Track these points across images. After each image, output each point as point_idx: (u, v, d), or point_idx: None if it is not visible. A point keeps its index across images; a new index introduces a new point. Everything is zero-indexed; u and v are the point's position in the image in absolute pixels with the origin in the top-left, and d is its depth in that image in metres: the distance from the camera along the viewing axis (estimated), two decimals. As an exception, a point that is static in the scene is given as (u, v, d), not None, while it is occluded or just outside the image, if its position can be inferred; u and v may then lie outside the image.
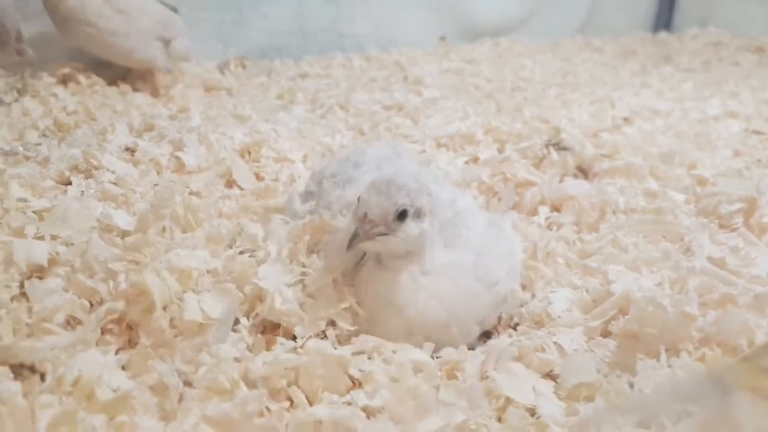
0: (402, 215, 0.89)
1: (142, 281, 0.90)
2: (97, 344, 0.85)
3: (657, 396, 0.74)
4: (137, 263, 0.95)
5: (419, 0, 3.28)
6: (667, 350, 0.83)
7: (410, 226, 0.90)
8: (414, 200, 0.90)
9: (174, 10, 2.30)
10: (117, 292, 0.91)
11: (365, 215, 0.88)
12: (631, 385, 0.77)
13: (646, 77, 2.87)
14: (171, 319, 0.89)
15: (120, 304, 0.90)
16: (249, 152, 1.45)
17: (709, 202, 1.28)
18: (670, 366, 0.79)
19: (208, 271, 0.97)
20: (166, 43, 2.22)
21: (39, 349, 0.76)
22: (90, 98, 2.00)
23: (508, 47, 3.37)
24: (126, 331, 0.91)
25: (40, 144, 1.49)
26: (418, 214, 0.91)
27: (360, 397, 0.81)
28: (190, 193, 1.25)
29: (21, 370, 0.74)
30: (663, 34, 4.03)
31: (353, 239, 0.88)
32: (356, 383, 0.84)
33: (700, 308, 0.86)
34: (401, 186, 0.90)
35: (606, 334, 0.90)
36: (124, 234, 1.05)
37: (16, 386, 0.70)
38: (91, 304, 0.92)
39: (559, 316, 0.96)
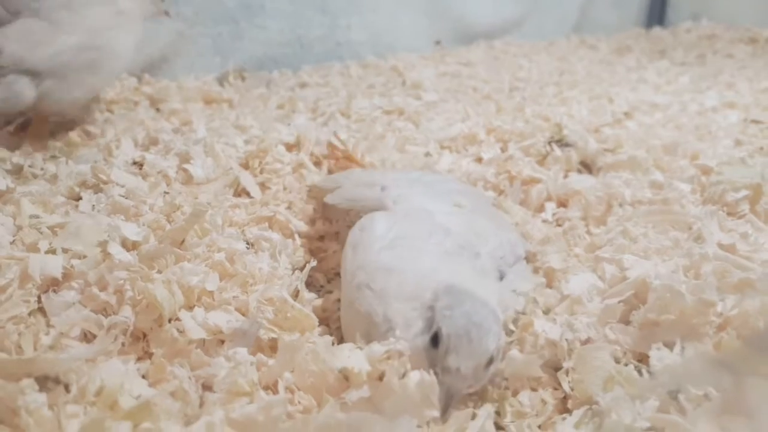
0: (489, 363, 0.79)
1: (151, 294, 0.91)
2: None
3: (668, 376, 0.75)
4: (149, 276, 0.96)
5: (413, 6, 3.30)
6: (685, 337, 0.84)
7: (490, 371, 0.80)
8: (499, 343, 0.80)
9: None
10: (127, 304, 0.92)
11: (458, 369, 0.76)
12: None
13: (642, 72, 2.88)
14: (181, 332, 0.90)
15: (131, 316, 0.91)
16: (255, 160, 1.45)
17: (714, 190, 1.29)
18: (683, 349, 0.80)
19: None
20: None
21: (63, 360, 0.76)
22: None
23: (503, 49, 3.39)
24: (137, 341, 0.92)
25: (46, 160, 1.50)
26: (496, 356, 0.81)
27: None
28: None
29: (45, 381, 0.75)
30: (657, 30, 4.05)
31: (449, 401, 0.76)
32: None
33: (716, 293, 0.87)
34: (488, 329, 0.78)
35: (626, 323, 0.90)
36: (134, 245, 1.06)
37: (42, 397, 0.71)
38: (105, 316, 0.93)
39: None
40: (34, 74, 1.58)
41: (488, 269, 0.97)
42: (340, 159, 1.52)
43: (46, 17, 1.61)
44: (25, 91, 1.58)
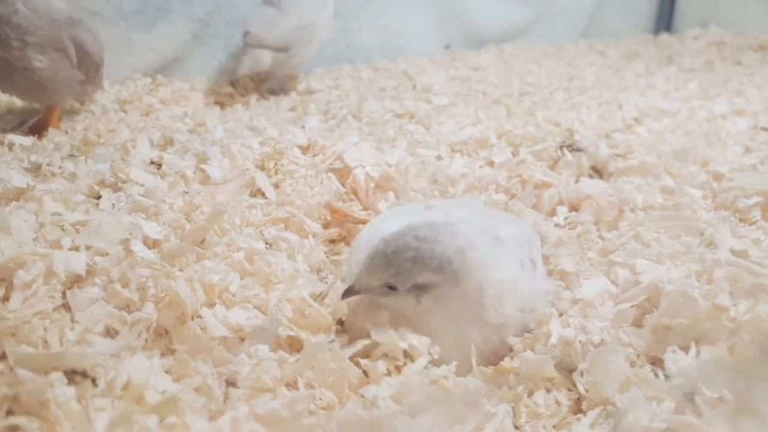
0: (392, 288, 0.85)
1: (174, 291, 0.92)
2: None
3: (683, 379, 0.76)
4: (171, 273, 0.98)
5: (423, 10, 3.33)
6: (698, 341, 0.85)
7: (406, 298, 0.85)
8: (406, 279, 0.84)
9: None
10: (150, 301, 0.94)
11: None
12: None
13: (650, 78, 2.90)
14: (203, 329, 0.92)
15: (153, 313, 0.93)
16: (271, 162, 1.47)
17: (726, 196, 1.30)
18: (698, 353, 0.81)
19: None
20: None
21: (90, 355, 0.78)
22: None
23: (512, 53, 3.41)
24: (159, 338, 0.93)
25: (64, 159, 1.52)
26: (419, 288, 0.85)
27: None
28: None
29: (73, 375, 0.76)
30: (665, 36, 4.07)
31: (346, 292, 0.89)
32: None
33: (729, 298, 0.88)
34: (393, 262, 0.83)
35: (638, 326, 0.92)
36: (155, 244, 1.08)
37: (71, 391, 0.73)
38: (128, 313, 0.95)
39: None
40: (269, 48, 2.32)
41: (520, 257, 0.95)
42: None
43: (277, 4, 2.39)
44: (265, 59, 2.33)
